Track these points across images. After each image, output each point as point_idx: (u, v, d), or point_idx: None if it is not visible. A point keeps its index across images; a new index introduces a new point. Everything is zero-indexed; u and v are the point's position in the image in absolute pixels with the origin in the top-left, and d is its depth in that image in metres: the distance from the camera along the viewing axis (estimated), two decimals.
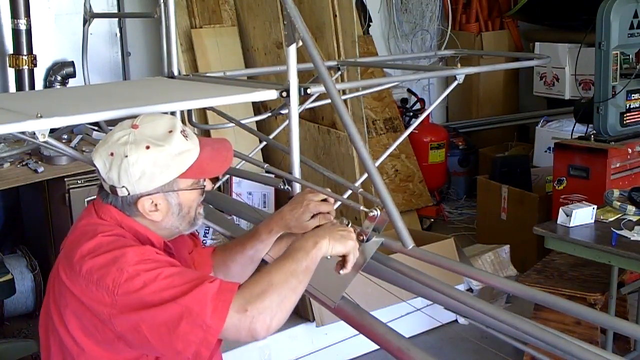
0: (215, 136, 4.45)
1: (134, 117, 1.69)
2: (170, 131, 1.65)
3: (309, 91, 1.98)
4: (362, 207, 1.77)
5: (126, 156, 1.61)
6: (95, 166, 1.66)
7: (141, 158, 1.61)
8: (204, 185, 1.75)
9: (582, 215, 3.35)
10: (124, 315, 1.53)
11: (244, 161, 2.38)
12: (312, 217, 1.79)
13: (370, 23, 6.02)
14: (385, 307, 3.29)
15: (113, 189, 1.65)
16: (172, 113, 2.49)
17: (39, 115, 1.61)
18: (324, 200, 1.82)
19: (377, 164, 2.10)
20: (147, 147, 1.61)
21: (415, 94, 6.15)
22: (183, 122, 2.62)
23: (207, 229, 4.30)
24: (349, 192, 2.08)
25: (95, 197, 1.76)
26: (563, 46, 5.88)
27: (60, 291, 1.64)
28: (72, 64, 4.58)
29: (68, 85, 4.59)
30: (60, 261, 1.68)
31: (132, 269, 1.53)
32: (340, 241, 1.66)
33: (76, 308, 1.60)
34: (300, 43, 1.76)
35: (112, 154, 1.62)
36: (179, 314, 1.48)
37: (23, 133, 1.73)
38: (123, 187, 1.63)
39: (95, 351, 1.61)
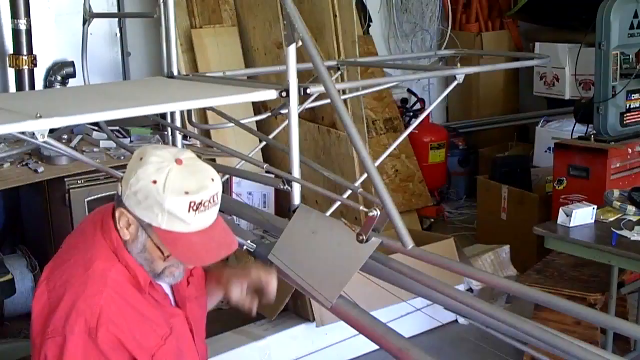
0: (215, 136, 4.45)
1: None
2: (187, 193, 1.58)
3: (308, 91, 1.98)
4: (362, 207, 1.77)
5: (141, 170, 1.60)
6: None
7: (144, 184, 1.59)
8: (168, 256, 1.67)
9: (582, 215, 3.35)
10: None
11: (243, 161, 2.38)
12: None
13: (370, 23, 6.01)
14: (385, 307, 3.29)
15: (120, 179, 1.67)
16: (173, 113, 2.51)
17: (39, 115, 1.61)
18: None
19: (377, 164, 2.10)
20: (154, 182, 1.58)
21: (415, 94, 6.14)
22: (183, 122, 2.64)
23: None
24: (349, 192, 2.08)
25: (94, 197, 1.76)
26: (563, 46, 5.87)
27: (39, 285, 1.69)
28: (72, 64, 4.58)
29: (68, 85, 4.59)
30: (54, 257, 1.71)
31: (68, 342, 1.56)
32: None
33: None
34: (300, 43, 1.76)
35: (141, 159, 1.62)
36: None
37: (23, 133, 1.73)
38: (121, 186, 1.64)
39: None
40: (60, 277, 1.66)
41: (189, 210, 1.57)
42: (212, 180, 1.62)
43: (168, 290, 1.80)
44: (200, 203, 1.58)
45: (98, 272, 1.64)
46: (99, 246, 1.68)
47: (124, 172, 1.69)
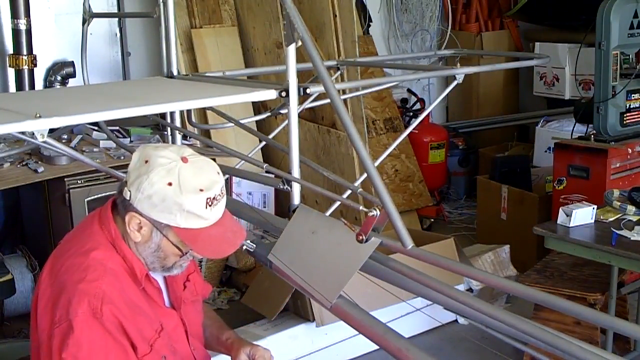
0: (215, 136, 4.45)
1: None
2: (201, 190, 1.62)
3: (308, 91, 1.98)
4: (361, 207, 1.77)
5: (153, 174, 1.61)
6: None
7: (159, 187, 1.61)
8: (187, 252, 1.72)
9: (582, 215, 3.35)
10: (45, 351, 1.60)
11: (243, 161, 2.38)
12: None
13: (370, 23, 6.02)
14: (385, 307, 3.29)
15: (124, 184, 1.67)
16: (172, 113, 2.51)
17: (38, 115, 1.61)
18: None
19: (376, 164, 2.10)
20: (170, 184, 1.61)
21: (415, 94, 6.15)
22: (183, 122, 2.64)
23: None
24: (349, 192, 2.08)
25: (94, 197, 1.77)
26: (563, 46, 5.87)
27: (38, 286, 1.70)
28: (72, 64, 4.58)
29: (68, 85, 4.59)
30: (51, 256, 1.72)
31: (74, 325, 1.57)
32: None
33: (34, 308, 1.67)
34: (300, 43, 1.76)
35: (147, 162, 1.63)
36: None
37: (22, 133, 1.73)
38: (129, 191, 1.65)
39: None
40: (60, 269, 1.67)
41: (206, 207, 1.62)
42: (218, 173, 1.68)
43: (163, 287, 1.81)
44: (214, 198, 1.63)
45: (97, 260, 1.66)
46: (97, 237, 1.70)
47: (124, 173, 1.70)
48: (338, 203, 1.92)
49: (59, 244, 1.78)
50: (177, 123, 2.53)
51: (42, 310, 1.65)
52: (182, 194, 1.60)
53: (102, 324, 1.59)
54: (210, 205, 1.63)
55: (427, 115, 5.08)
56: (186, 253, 1.71)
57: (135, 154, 1.67)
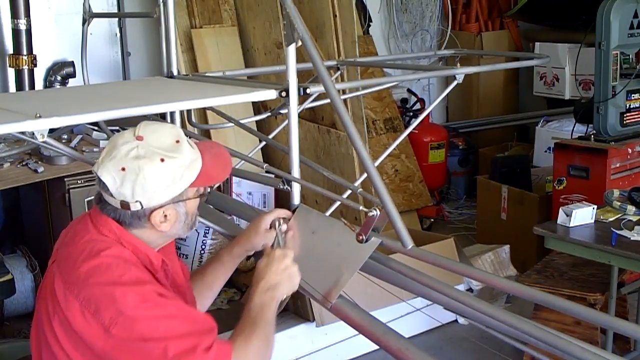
0: (215, 136, 4.45)
1: (128, 119, 1.72)
2: (178, 141, 1.65)
3: (308, 91, 1.98)
4: (361, 207, 1.77)
5: (141, 170, 1.59)
6: (101, 181, 1.62)
7: (157, 171, 1.60)
8: (209, 192, 1.76)
9: (582, 215, 3.35)
10: (115, 354, 1.55)
11: (243, 161, 2.38)
12: (271, 226, 1.87)
13: (370, 23, 6.01)
14: (385, 307, 3.29)
15: (125, 204, 1.62)
16: (172, 113, 2.50)
17: (38, 115, 1.61)
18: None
19: (376, 164, 2.10)
20: (162, 160, 1.61)
21: (415, 94, 6.14)
22: (183, 122, 2.64)
23: (207, 229, 4.30)
24: (349, 192, 2.08)
25: (92, 197, 1.75)
26: (563, 46, 5.87)
27: (54, 307, 1.63)
28: (72, 64, 4.58)
29: (68, 85, 4.59)
30: (55, 275, 1.66)
31: (131, 312, 1.53)
32: (290, 282, 1.74)
33: (67, 328, 1.59)
34: (300, 43, 1.76)
35: (123, 169, 1.59)
36: None
37: (22, 133, 1.73)
38: (137, 201, 1.62)
39: None
40: (79, 279, 1.60)
41: (192, 147, 1.67)
42: (168, 113, 1.81)
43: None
44: (187, 136, 1.69)
45: (114, 256, 1.63)
46: (100, 240, 1.66)
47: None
48: (338, 203, 1.92)
49: (57, 260, 1.71)
50: (177, 123, 2.52)
51: (81, 324, 1.57)
52: (175, 157, 1.62)
53: (152, 300, 1.57)
54: (190, 145, 1.67)
55: (427, 115, 5.08)
56: (208, 193, 1.76)
57: (103, 178, 1.61)
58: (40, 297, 1.73)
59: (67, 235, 1.76)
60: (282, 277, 1.73)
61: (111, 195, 1.63)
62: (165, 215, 1.66)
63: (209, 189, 1.77)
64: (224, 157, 1.77)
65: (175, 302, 1.61)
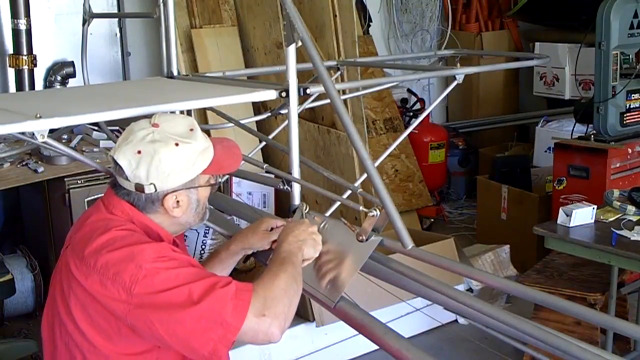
0: (215, 136, 4.45)
1: (147, 116, 1.72)
2: (192, 129, 1.70)
3: (308, 91, 1.98)
4: (361, 207, 1.77)
5: (157, 153, 1.63)
6: (117, 164, 1.67)
7: (171, 155, 1.64)
8: (220, 181, 1.81)
9: (582, 215, 3.35)
10: (140, 313, 1.54)
11: (243, 161, 2.38)
12: (271, 230, 1.88)
13: (370, 23, 6.01)
14: (385, 307, 3.29)
15: (139, 186, 1.66)
16: (172, 113, 2.50)
17: (39, 115, 1.61)
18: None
19: (376, 164, 2.10)
20: (177, 144, 1.65)
21: (415, 94, 6.14)
22: None
23: (207, 229, 4.30)
24: (349, 192, 2.08)
25: (94, 197, 1.77)
26: (563, 46, 5.87)
27: (69, 285, 1.64)
28: (72, 64, 4.59)
29: (68, 85, 4.59)
30: (69, 255, 1.67)
31: (150, 266, 1.55)
32: (314, 247, 1.77)
33: (87, 303, 1.60)
34: (300, 43, 1.76)
35: (139, 152, 1.64)
36: (199, 314, 1.50)
37: (22, 133, 1.73)
38: (151, 184, 1.65)
39: (106, 347, 1.62)
40: (93, 253, 1.61)
41: (205, 136, 1.73)
42: (168, 113, 1.78)
43: None
44: (198, 126, 1.73)
45: (126, 229, 1.65)
46: (112, 220, 1.68)
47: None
48: (338, 203, 1.92)
49: (71, 244, 1.71)
50: None
51: (101, 293, 1.56)
52: (190, 143, 1.66)
53: (168, 255, 1.59)
54: (203, 134, 1.72)
55: (427, 115, 5.08)
56: (219, 182, 1.80)
57: (119, 161, 1.65)
58: (53, 282, 1.74)
59: (79, 221, 1.79)
60: (308, 237, 1.77)
61: (126, 178, 1.67)
62: (178, 201, 1.70)
63: (220, 180, 1.80)
64: (235, 149, 1.82)
65: (190, 257, 1.65)
